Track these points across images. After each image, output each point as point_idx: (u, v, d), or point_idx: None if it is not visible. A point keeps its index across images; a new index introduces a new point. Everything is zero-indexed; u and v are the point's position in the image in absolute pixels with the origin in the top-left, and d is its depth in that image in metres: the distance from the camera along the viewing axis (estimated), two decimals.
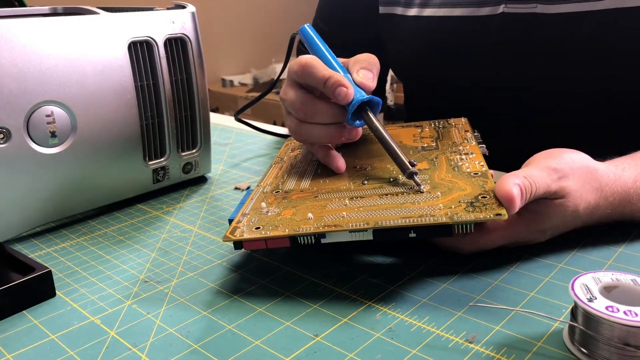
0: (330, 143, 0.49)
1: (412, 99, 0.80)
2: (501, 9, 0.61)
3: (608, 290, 0.32)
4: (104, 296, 0.39)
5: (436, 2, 0.66)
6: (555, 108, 0.62)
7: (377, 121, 0.46)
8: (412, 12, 0.68)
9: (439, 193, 0.39)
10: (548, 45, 0.59)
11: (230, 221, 0.41)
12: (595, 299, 0.30)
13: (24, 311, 0.38)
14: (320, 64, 0.47)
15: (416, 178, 0.42)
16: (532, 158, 0.43)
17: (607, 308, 0.29)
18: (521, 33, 0.60)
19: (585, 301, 0.30)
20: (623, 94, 0.59)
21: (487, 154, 0.48)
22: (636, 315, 0.29)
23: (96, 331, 0.35)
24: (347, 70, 0.49)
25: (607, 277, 0.32)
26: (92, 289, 0.40)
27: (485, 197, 0.37)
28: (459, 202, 0.37)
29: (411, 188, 0.41)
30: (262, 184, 0.48)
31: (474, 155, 0.46)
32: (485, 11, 0.62)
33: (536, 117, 0.64)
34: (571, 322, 0.32)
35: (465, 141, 0.50)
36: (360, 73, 0.47)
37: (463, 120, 0.57)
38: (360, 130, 0.47)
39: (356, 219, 0.38)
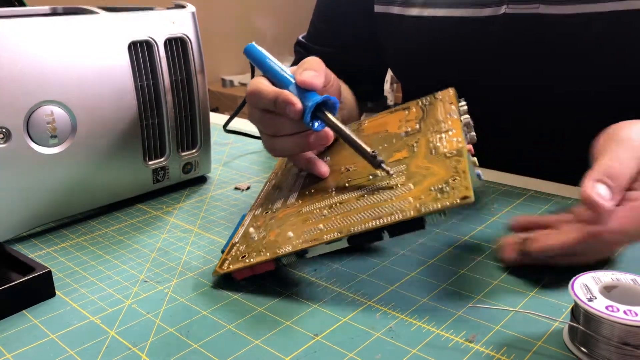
0: (305, 151, 0.49)
1: (410, 98, 0.80)
2: (503, 9, 0.61)
3: (608, 290, 0.32)
4: (104, 296, 0.39)
5: (437, 3, 0.66)
6: (557, 108, 0.62)
7: (334, 119, 0.46)
8: (411, 12, 0.68)
9: (411, 185, 0.39)
10: (550, 46, 0.59)
11: (223, 251, 0.43)
12: (595, 298, 0.30)
13: (24, 311, 0.38)
14: (265, 86, 0.48)
15: (384, 166, 0.42)
16: (597, 146, 0.41)
17: (607, 308, 0.29)
18: (523, 34, 0.60)
19: (585, 301, 0.30)
20: (627, 94, 0.59)
21: (472, 124, 0.47)
22: (636, 315, 0.29)
23: (96, 331, 0.35)
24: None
25: (607, 277, 0.32)
26: (92, 289, 0.40)
27: (455, 180, 0.37)
28: (430, 189, 0.37)
29: (387, 183, 0.41)
30: (255, 205, 0.49)
31: (454, 131, 0.45)
32: (487, 12, 0.62)
33: (537, 118, 0.64)
34: (571, 322, 0.32)
35: (448, 116, 0.49)
36: (304, 74, 0.47)
37: (451, 91, 0.54)
38: (328, 133, 0.47)
39: (331, 230, 0.38)
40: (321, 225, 0.39)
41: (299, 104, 0.45)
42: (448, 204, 0.34)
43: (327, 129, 0.47)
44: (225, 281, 0.40)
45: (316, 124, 0.46)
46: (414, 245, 0.44)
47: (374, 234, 0.37)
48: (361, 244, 0.37)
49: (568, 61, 0.59)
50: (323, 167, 0.48)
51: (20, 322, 0.36)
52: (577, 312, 0.31)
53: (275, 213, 0.45)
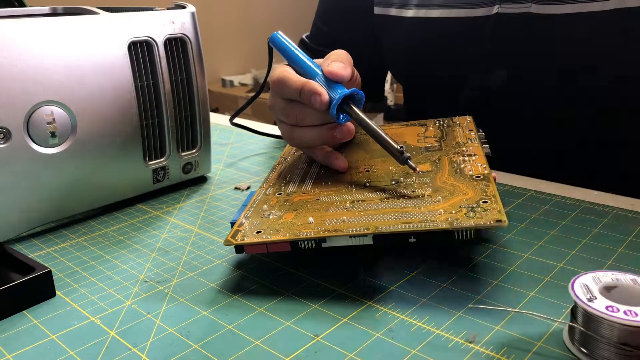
0: (324, 144, 0.49)
1: (410, 99, 0.81)
2: (495, 9, 0.61)
3: (608, 290, 0.32)
4: (104, 296, 0.39)
5: (432, 4, 0.66)
6: (550, 106, 0.62)
7: (361, 113, 0.46)
8: (407, 13, 0.68)
9: (440, 197, 0.39)
10: (543, 45, 0.60)
11: (233, 224, 0.42)
12: (595, 299, 0.30)
13: (24, 311, 0.38)
14: (292, 75, 0.48)
15: (410, 162, 0.42)
16: None
17: (607, 308, 0.29)
18: (516, 33, 0.61)
19: (585, 301, 0.30)
20: (621, 92, 0.59)
21: (491, 155, 0.48)
22: (636, 315, 0.29)
23: (96, 331, 0.35)
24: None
25: (607, 277, 0.32)
26: (92, 289, 0.40)
27: (487, 202, 0.37)
28: (460, 207, 0.37)
29: (413, 191, 0.41)
30: (264, 185, 0.48)
31: (477, 157, 0.46)
32: (480, 12, 0.62)
33: (533, 116, 0.64)
34: (571, 323, 0.32)
35: (469, 141, 0.50)
36: (332, 65, 0.47)
37: (468, 118, 0.56)
38: (352, 127, 0.47)
39: (356, 224, 0.38)
40: (345, 218, 0.39)
41: (325, 95, 0.45)
42: (482, 223, 0.35)
43: (350, 124, 0.47)
44: (226, 281, 0.40)
45: (341, 117, 0.46)
46: (414, 245, 0.44)
47: (401, 237, 0.36)
48: (385, 244, 0.37)
49: (560, 60, 0.59)
50: (342, 162, 0.48)
51: (20, 322, 0.36)
52: (577, 312, 0.31)
53: (289, 196, 0.45)
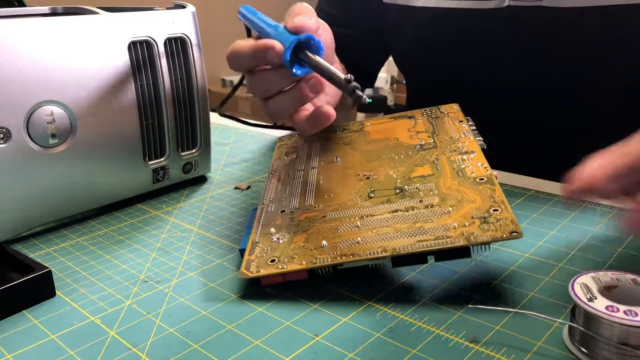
0: (303, 104, 0.48)
1: (414, 93, 0.80)
2: (507, 2, 0.60)
3: (608, 290, 0.32)
4: (104, 296, 0.39)
5: None
6: (560, 103, 0.62)
7: (313, 56, 0.44)
8: (417, 2, 0.68)
9: (450, 208, 0.39)
10: (554, 39, 0.59)
11: (242, 251, 0.41)
12: (595, 298, 0.30)
13: (24, 311, 0.38)
14: (241, 42, 0.46)
15: (358, 92, 0.41)
16: None
17: (607, 308, 0.29)
18: (527, 26, 0.60)
19: (585, 301, 0.30)
20: (630, 92, 0.58)
21: (485, 147, 0.47)
22: (636, 315, 0.29)
23: (96, 331, 0.35)
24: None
25: (607, 277, 0.32)
26: (92, 289, 0.40)
27: (497, 211, 0.37)
28: (472, 217, 0.37)
29: (420, 201, 0.41)
30: (264, 201, 0.47)
31: (475, 154, 0.45)
32: (491, 4, 0.62)
33: (540, 113, 0.64)
34: (571, 322, 0.32)
35: (463, 135, 0.49)
36: (295, 19, 0.45)
37: (455, 107, 0.55)
38: (321, 79, 0.45)
39: (372, 246, 0.37)
40: (359, 238, 0.38)
41: (279, 45, 0.43)
42: (498, 236, 0.35)
43: (318, 75, 0.44)
44: (226, 281, 0.40)
45: (297, 69, 0.44)
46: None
47: (419, 257, 0.36)
48: (404, 264, 0.37)
49: (571, 54, 0.59)
50: (326, 108, 0.46)
51: (20, 322, 0.36)
52: (577, 312, 0.31)
53: (294, 214, 0.44)
